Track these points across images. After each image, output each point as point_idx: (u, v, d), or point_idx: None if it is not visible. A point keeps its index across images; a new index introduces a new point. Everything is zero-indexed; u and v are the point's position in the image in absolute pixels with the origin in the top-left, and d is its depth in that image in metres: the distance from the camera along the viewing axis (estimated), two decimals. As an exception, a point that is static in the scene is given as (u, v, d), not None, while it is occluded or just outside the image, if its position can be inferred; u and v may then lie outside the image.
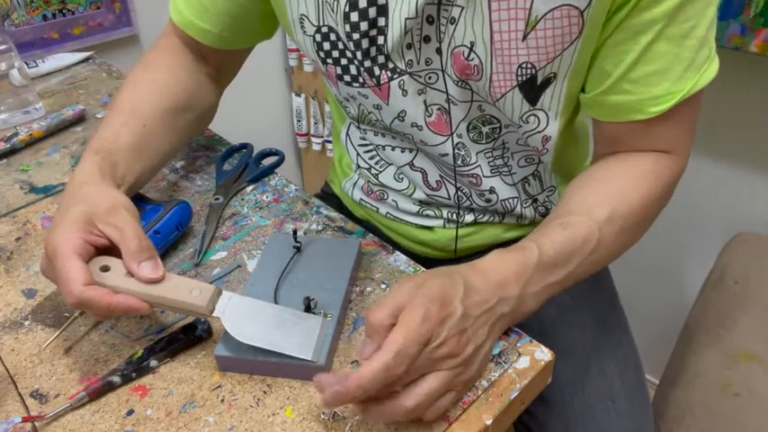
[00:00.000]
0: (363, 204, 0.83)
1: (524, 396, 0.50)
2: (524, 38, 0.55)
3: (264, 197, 0.73)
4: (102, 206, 0.52)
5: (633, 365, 0.70)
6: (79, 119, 0.90)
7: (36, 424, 0.48)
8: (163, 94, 0.67)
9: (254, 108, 1.58)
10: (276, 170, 0.78)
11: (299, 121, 1.62)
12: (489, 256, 0.52)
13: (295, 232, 0.60)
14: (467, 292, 0.47)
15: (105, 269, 0.50)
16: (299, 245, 0.60)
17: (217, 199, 0.71)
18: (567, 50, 0.56)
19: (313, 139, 1.63)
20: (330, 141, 1.60)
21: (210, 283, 0.60)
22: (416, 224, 0.78)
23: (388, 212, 0.80)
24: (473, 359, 0.47)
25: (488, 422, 0.47)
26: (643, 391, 0.69)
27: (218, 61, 0.75)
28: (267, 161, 0.79)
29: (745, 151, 1.09)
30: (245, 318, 0.50)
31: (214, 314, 0.50)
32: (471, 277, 0.49)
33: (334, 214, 0.70)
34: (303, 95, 1.57)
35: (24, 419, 0.48)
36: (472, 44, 0.57)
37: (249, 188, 0.75)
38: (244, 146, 0.81)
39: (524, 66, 0.57)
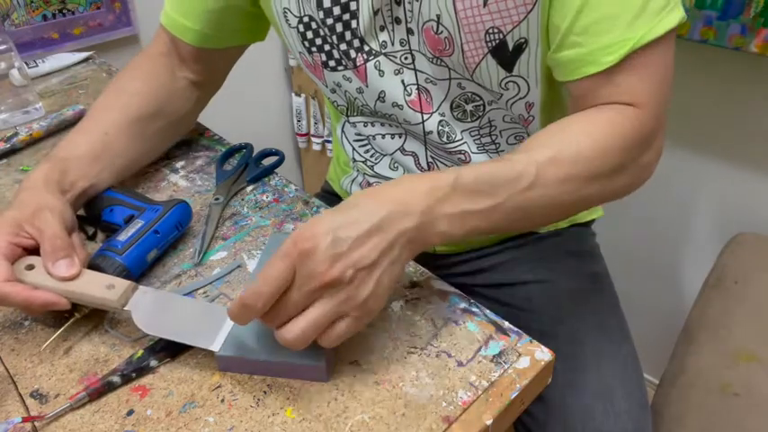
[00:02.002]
0: None
1: (524, 396, 0.50)
2: (485, 4, 0.57)
3: (264, 197, 0.73)
4: (28, 210, 0.56)
5: (632, 367, 0.70)
6: (79, 119, 0.90)
7: (36, 424, 0.48)
8: (131, 103, 0.71)
9: (254, 108, 1.58)
10: (276, 170, 0.78)
11: (298, 121, 1.62)
12: (401, 177, 0.50)
13: (295, 232, 0.60)
14: (339, 218, 0.46)
15: (30, 268, 0.54)
16: (299, 245, 0.60)
17: (217, 199, 0.71)
18: (532, 14, 0.57)
19: (313, 139, 1.63)
20: (330, 141, 1.60)
21: (210, 283, 0.61)
22: None
23: None
24: (363, 281, 0.45)
25: (488, 422, 0.47)
26: (642, 393, 0.69)
27: (203, 66, 0.76)
28: (267, 161, 0.79)
29: (746, 151, 1.09)
30: (156, 311, 0.53)
31: (126, 308, 0.53)
32: (355, 200, 0.48)
33: (334, 214, 0.70)
34: (303, 95, 1.57)
35: (24, 419, 0.48)
36: (438, 17, 0.59)
37: (249, 188, 0.75)
38: (244, 146, 0.81)
39: (491, 31, 0.58)
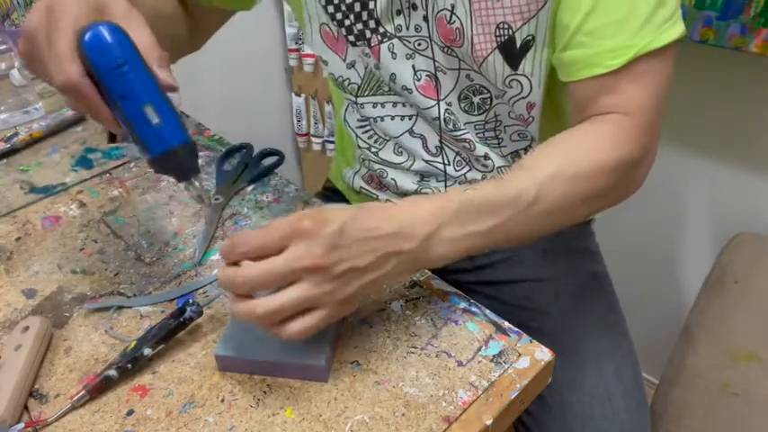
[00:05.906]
0: (363, 193, 0.84)
1: (524, 396, 0.50)
2: None
3: (265, 197, 0.73)
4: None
5: (631, 367, 0.70)
6: (79, 119, 0.90)
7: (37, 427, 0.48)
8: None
9: (254, 108, 1.58)
10: (276, 170, 0.78)
11: (298, 121, 1.62)
12: (407, 198, 0.51)
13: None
14: (354, 216, 0.46)
15: None
16: (299, 245, 0.60)
17: (217, 199, 0.71)
18: (542, 12, 0.58)
19: (313, 139, 1.63)
20: (330, 141, 1.60)
21: (211, 283, 0.60)
22: None
23: (387, 200, 0.81)
24: (350, 280, 0.46)
25: (488, 422, 0.47)
26: (641, 392, 0.69)
27: (196, 15, 0.75)
28: (267, 161, 0.79)
29: (746, 151, 1.08)
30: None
31: None
32: (371, 207, 0.48)
33: (334, 214, 0.70)
34: (303, 95, 1.57)
35: (27, 425, 0.48)
36: (453, 6, 0.60)
37: (249, 188, 0.75)
38: (244, 146, 0.81)
39: (501, 26, 0.60)
